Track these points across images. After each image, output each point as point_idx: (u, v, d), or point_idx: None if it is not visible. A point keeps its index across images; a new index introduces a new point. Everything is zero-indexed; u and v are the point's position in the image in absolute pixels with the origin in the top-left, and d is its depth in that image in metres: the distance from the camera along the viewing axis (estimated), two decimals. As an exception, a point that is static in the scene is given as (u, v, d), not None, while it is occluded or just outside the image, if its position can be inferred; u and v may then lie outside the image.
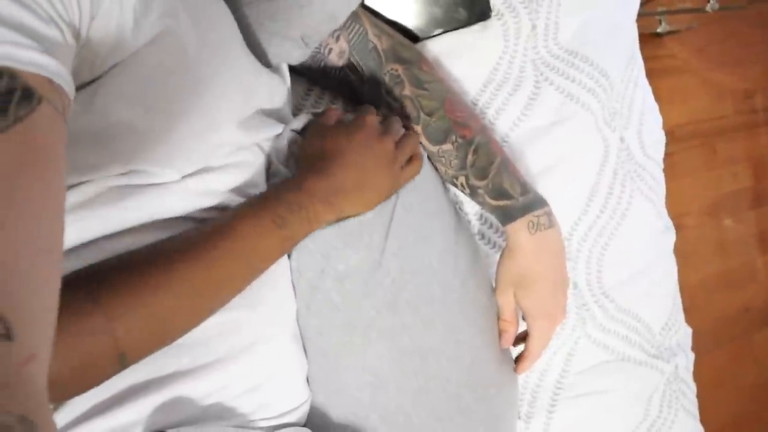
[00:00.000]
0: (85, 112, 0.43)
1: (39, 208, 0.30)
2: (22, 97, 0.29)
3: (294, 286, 0.61)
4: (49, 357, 0.29)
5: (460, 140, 0.68)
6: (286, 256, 0.61)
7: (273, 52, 0.60)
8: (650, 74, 0.92)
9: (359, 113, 0.63)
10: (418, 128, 0.69)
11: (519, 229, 0.68)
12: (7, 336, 0.25)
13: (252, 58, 0.58)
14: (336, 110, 0.64)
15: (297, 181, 0.54)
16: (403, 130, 0.66)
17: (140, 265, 0.43)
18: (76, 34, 0.36)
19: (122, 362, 0.42)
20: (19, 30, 0.30)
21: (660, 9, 1.64)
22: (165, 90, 0.47)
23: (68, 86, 0.33)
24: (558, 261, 0.72)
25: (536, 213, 0.68)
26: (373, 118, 0.62)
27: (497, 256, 0.73)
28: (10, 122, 0.29)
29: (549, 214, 0.70)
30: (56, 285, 0.31)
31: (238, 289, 0.49)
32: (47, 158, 0.31)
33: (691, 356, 0.93)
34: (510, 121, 0.79)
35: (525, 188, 0.69)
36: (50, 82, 0.31)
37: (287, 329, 0.60)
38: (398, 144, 0.63)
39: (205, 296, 0.47)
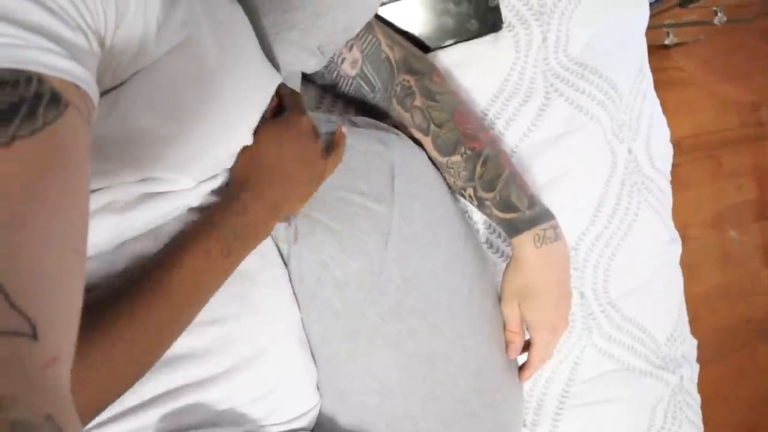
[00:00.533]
0: (105, 119, 0.44)
1: (64, 209, 0.30)
2: (50, 101, 0.30)
3: (297, 294, 0.62)
4: (71, 359, 0.29)
5: (469, 152, 0.69)
6: (282, 263, 0.62)
7: (289, 61, 0.61)
8: (657, 86, 0.93)
9: (293, 111, 0.59)
10: (428, 139, 0.70)
11: (525, 242, 0.69)
12: (33, 336, 0.26)
13: (268, 65, 0.59)
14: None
15: (240, 202, 0.53)
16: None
17: (97, 332, 0.43)
18: (102, 42, 0.37)
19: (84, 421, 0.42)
20: (48, 37, 0.30)
21: (667, 21, 1.65)
22: (184, 97, 0.47)
23: (93, 92, 0.34)
24: (562, 274, 0.72)
25: (542, 226, 0.69)
26: (307, 120, 0.59)
27: (504, 265, 0.74)
28: (39, 126, 0.29)
29: (555, 228, 0.71)
30: (80, 286, 0.31)
31: (189, 322, 0.49)
32: (73, 161, 0.31)
33: (696, 368, 0.93)
34: (520, 131, 0.80)
35: (532, 201, 0.70)
36: (76, 87, 0.32)
37: (292, 335, 0.61)
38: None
39: (161, 341, 0.47)
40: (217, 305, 0.52)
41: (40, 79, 0.30)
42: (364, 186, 0.61)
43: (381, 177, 0.62)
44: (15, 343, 0.25)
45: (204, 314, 0.51)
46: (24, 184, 0.28)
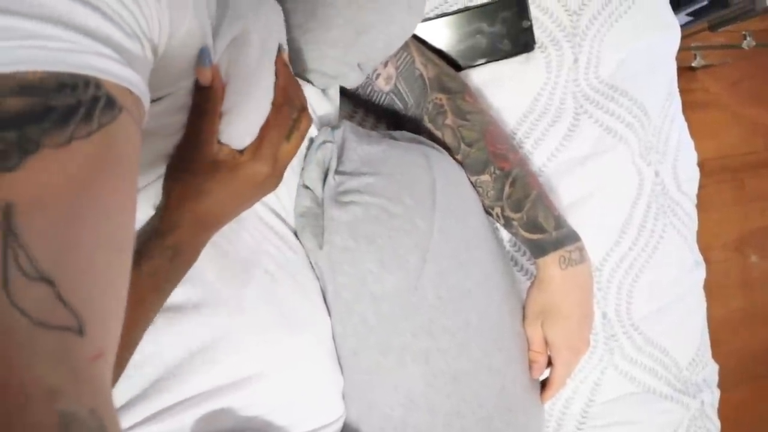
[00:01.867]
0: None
1: (114, 209, 0.31)
2: (105, 105, 0.31)
3: (331, 307, 0.62)
4: (114, 358, 0.30)
5: (498, 172, 0.70)
6: (315, 277, 0.62)
7: (332, 75, 0.62)
8: (683, 107, 0.93)
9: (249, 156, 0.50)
10: (458, 158, 0.71)
11: (550, 263, 0.69)
12: (79, 331, 0.27)
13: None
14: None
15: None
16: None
17: None
18: (155, 49, 0.38)
19: None
20: (105, 42, 0.31)
21: (695, 44, 1.65)
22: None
23: (145, 97, 0.35)
24: (586, 296, 0.72)
25: (568, 248, 0.70)
26: (261, 168, 0.50)
27: (528, 284, 0.75)
28: (94, 128, 0.30)
29: (581, 250, 0.71)
30: (125, 286, 0.32)
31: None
32: (124, 164, 0.32)
33: (717, 393, 0.92)
34: (548, 151, 0.81)
35: (559, 223, 0.70)
36: (130, 92, 0.33)
37: (323, 347, 0.61)
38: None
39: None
40: (256, 319, 0.53)
41: (97, 83, 0.30)
42: (407, 197, 0.61)
43: (423, 189, 0.62)
44: (62, 337, 0.26)
45: (247, 334, 0.53)
46: (79, 183, 0.29)
